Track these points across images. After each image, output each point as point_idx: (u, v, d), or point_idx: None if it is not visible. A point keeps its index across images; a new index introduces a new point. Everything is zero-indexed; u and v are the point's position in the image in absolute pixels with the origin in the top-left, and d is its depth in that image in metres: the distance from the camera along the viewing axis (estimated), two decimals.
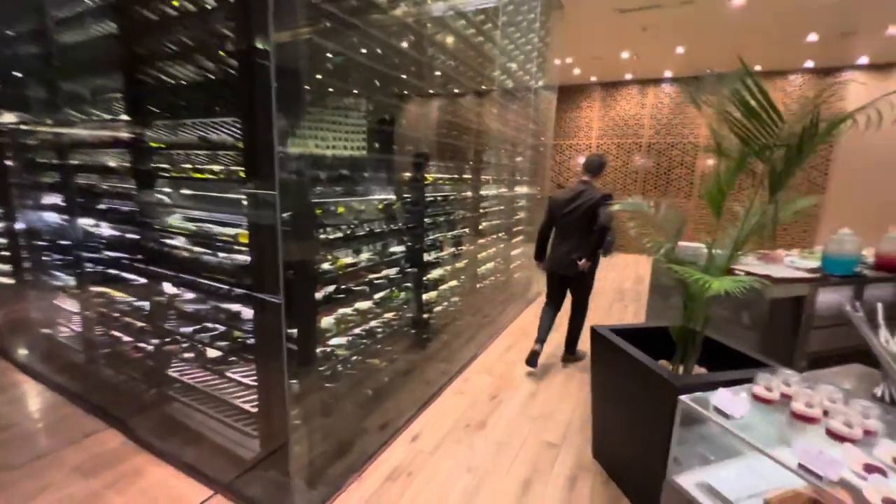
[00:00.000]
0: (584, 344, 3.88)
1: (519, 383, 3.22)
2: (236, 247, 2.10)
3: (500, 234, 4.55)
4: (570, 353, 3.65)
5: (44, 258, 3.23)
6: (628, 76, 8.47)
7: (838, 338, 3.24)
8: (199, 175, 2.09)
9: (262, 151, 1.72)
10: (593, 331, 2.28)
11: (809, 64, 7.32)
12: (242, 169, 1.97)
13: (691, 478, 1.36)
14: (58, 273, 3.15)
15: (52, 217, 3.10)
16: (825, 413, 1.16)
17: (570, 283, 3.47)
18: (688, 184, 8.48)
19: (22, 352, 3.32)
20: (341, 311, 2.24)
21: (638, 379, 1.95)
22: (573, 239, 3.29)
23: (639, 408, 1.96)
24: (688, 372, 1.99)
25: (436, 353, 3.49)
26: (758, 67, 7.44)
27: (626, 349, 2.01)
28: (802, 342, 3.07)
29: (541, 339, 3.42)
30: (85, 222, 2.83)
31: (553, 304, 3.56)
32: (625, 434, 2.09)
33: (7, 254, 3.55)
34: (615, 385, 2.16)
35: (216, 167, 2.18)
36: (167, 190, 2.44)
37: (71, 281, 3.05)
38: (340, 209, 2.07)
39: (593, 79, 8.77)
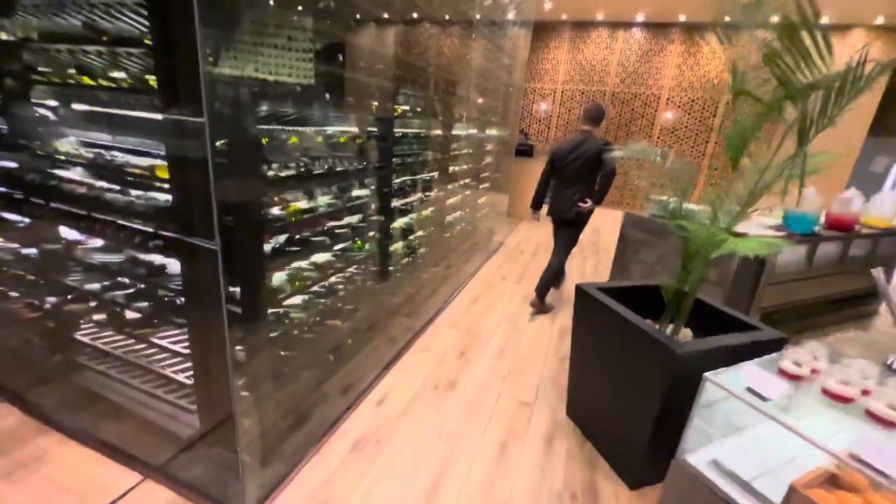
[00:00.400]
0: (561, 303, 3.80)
1: (486, 339, 3.08)
2: (156, 183, 1.63)
3: (468, 180, 4.22)
4: (541, 300, 3.63)
5: None
6: (600, 16, 8.02)
7: (788, 293, 3.40)
8: (87, 80, 1.53)
9: (180, 51, 1.23)
10: (578, 288, 2.11)
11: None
12: (154, 77, 1.47)
13: (700, 456, 1.24)
14: None
15: None
16: (864, 392, 1.06)
17: (565, 227, 3.58)
18: (646, 136, 8.50)
19: None
20: (295, 265, 1.88)
21: (627, 341, 1.83)
22: (577, 185, 3.39)
23: (626, 370, 1.85)
24: (675, 333, 1.89)
25: (399, 308, 3.24)
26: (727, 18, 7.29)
27: (617, 309, 1.86)
28: (759, 298, 3.17)
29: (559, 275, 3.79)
30: None
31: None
32: (607, 396, 2.00)
33: None
34: (599, 345, 2.05)
35: (118, 74, 1.62)
36: (52, 103, 1.84)
37: None
38: (293, 139, 1.64)
39: (564, 16, 8.22)
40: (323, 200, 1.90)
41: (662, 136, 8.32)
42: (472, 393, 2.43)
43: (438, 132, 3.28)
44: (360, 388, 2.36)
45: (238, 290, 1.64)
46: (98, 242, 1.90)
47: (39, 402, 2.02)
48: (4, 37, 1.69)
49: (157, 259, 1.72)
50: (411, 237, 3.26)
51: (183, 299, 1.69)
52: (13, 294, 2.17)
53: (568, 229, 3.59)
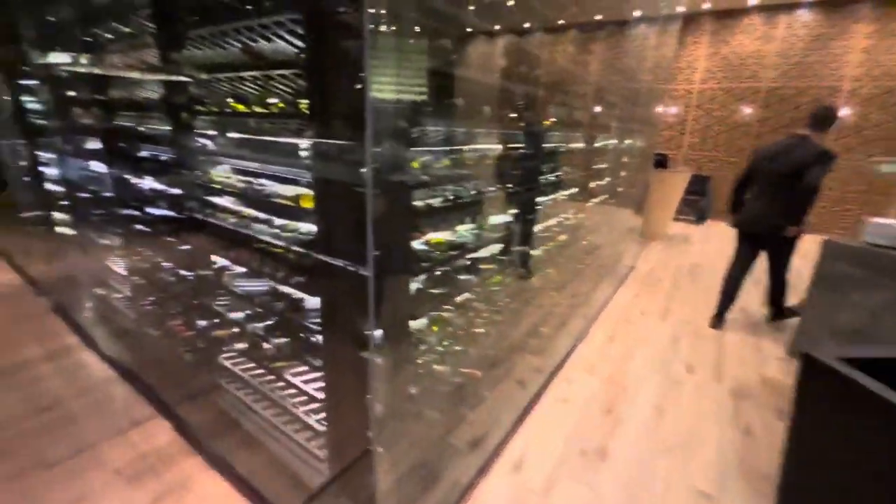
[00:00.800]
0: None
1: (636, 391, 2.54)
2: (301, 211, 1.52)
3: (604, 197, 3.71)
4: (778, 314, 3.31)
5: (91, 212, 2.89)
6: (753, 0, 6.79)
7: None
8: (239, 106, 1.48)
9: (341, 72, 1.06)
10: (808, 359, 1.51)
11: None
12: (306, 102, 1.34)
13: None
14: (104, 230, 2.81)
15: (94, 165, 2.71)
16: None
17: (764, 244, 3.11)
18: None
19: (77, 312, 3.10)
20: (437, 305, 1.64)
21: None
22: (771, 194, 2.90)
23: None
24: None
25: (526, 343, 2.88)
26: None
27: None
28: None
29: (723, 308, 3.30)
30: (125, 171, 2.39)
31: (740, 267, 3.23)
32: None
33: (66, 203, 3.30)
34: (855, 451, 1.42)
35: (270, 100, 1.56)
36: (210, 132, 1.89)
37: (116, 239, 2.70)
38: (445, 162, 1.41)
39: (706, 6, 7.16)
40: (464, 230, 1.65)
41: (842, 138, 6.69)
42: (631, 467, 1.94)
43: (580, 145, 2.88)
44: (491, 444, 2.03)
45: (380, 333, 1.43)
46: (244, 270, 1.89)
47: (187, 420, 2.08)
48: (178, 78, 1.76)
49: (296, 293, 1.61)
50: (548, 267, 2.88)
51: (320, 338, 1.55)
52: (172, 311, 2.32)
53: (769, 245, 3.07)
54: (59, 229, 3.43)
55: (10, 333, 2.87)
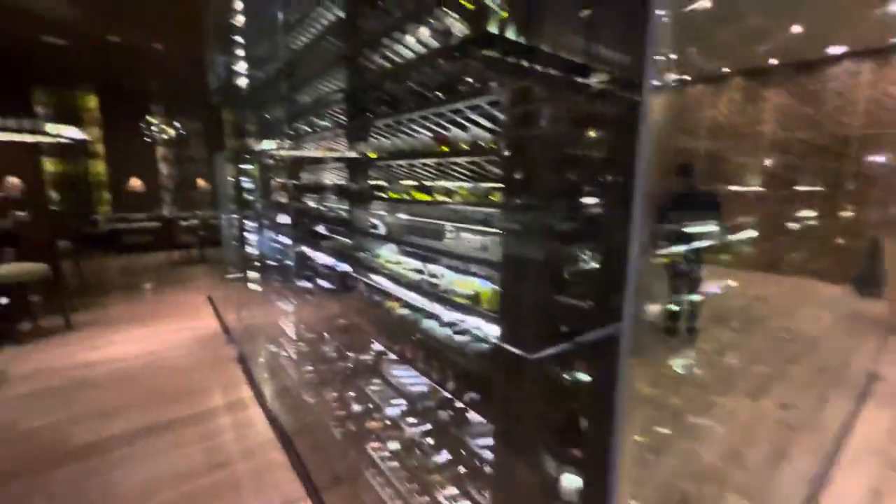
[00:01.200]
0: None
1: None
2: (479, 308, 1.30)
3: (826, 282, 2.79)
4: None
5: (274, 277, 3.25)
6: None
7: None
8: (422, 196, 1.39)
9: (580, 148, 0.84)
10: None
11: None
12: (499, 185, 1.16)
13: None
14: (282, 294, 3.10)
15: (281, 237, 3.06)
16: None
17: None
18: None
19: (253, 365, 3.44)
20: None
21: None
22: None
23: None
24: None
25: (723, 473, 2.12)
26: None
27: None
28: None
29: None
30: (303, 244, 2.60)
31: None
32: None
33: (258, 266, 3.84)
34: None
35: (450, 184, 1.45)
36: (383, 213, 1.89)
37: (290, 305, 2.93)
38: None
39: None
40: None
41: None
42: None
43: (811, 215, 2.19)
44: None
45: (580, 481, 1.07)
46: (403, 363, 1.75)
47: None
48: (359, 160, 1.82)
49: (461, 404, 1.37)
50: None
51: (489, 470, 1.26)
52: (329, 384, 2.31)
53: None
54: (250, 286, 3.97)
55: (203, 378, 3.29)
